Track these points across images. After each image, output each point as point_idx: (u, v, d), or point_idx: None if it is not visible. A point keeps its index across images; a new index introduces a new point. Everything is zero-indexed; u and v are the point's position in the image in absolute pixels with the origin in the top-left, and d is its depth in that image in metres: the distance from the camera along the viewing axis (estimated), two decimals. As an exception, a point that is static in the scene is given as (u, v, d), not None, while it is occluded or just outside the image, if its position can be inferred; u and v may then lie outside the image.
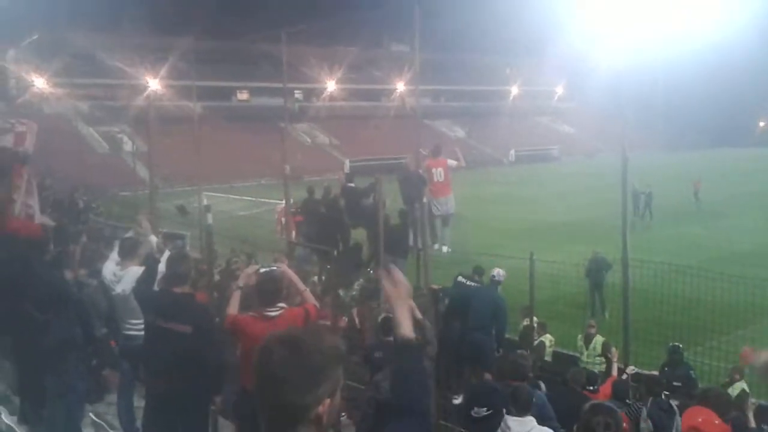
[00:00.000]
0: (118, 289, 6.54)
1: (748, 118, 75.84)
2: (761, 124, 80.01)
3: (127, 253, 6.79)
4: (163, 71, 34.84)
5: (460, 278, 10.15)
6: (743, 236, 19.80)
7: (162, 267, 6.03)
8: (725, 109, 69.82)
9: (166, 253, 6.57)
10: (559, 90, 78.77)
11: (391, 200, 13.09)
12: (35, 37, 50.20)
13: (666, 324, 10.71)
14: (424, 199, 13.22)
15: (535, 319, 10.68)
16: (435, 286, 9.85)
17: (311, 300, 5.70)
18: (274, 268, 5.97)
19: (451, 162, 15.99)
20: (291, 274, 5.96)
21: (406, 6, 11.90)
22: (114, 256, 6.97)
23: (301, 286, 5.87)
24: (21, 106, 45.88)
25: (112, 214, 15.53)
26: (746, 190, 29.10)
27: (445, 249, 16.13)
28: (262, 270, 5.75)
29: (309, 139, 57.36)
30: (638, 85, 43.34)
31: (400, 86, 61.49)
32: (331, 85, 61.30)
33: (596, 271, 12.88)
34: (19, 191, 7.62)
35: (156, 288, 5.83)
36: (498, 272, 9.93)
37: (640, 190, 23.09)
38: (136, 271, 6.44)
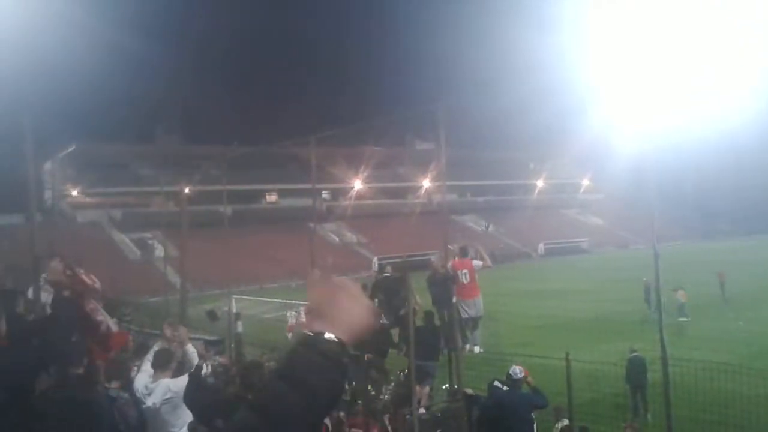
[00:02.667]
0: (149, 402, 6.42)
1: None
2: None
3: (161, 365, 6.74)
4: (194, 178, 35.83)
5: (496, 383, 9.79)
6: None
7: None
8: (755, 195, 69.15)
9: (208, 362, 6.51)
10: (585, 182, 79.10)
11: (420, 298, 12.93)
12: (72, 148, 52.28)
13: (709, 422, 10.30)
14: (453, 299, 13.02)
15: (566, 421, 10.25)
16: (469, 391, 9.60)
17: None
18: None
19: (477, 263, 15.72)
20: None
21: (429, 108, 12.16)
22: (147, 368, 6.88)
23: None
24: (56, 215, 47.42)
25: (144, 322, 15.60)
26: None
27: (477, 349, 15.82)
28: None
29: (337, 238, 57.84)
30: (666, 174, 43.27)
31: (426, 183, 62.31)
32: (357, 184, 62.32)
33: (635, 372, 12.44)
34: None
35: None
36: (515, 370, 9.24)
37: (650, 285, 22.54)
38: (167, 383, 6.42)
